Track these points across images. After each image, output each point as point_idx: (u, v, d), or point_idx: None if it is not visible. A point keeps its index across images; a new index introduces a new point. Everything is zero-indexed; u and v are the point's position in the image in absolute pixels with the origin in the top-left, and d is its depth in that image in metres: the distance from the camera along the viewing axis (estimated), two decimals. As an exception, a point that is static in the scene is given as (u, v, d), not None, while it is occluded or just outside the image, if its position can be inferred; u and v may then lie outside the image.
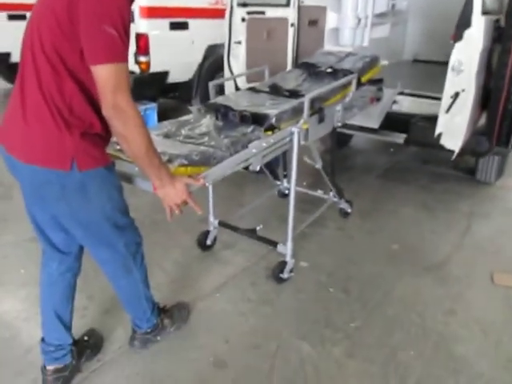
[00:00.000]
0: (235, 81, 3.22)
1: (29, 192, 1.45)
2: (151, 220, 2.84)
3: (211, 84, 2.34)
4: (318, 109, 2.26)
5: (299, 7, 3.38)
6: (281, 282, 2.30)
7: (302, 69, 2.72)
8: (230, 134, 1.88)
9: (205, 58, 4.66)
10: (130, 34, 1.28)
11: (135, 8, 3.97)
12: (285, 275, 2.29)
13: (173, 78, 4.48)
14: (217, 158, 1.69)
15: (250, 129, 1.94)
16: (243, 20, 3.05)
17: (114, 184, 1.45)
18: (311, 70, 2.66)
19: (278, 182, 3.09)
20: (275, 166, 3.04)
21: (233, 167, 1.75)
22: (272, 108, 2.10)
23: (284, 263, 2.30)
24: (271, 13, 3.25)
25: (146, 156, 1.33)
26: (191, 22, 4.39)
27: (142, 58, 4.09)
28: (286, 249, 2.29)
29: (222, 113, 2.03)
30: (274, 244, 2.35)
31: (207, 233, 2.57)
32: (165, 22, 4.18)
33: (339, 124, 2.46)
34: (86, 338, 1.81)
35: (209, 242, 2.57)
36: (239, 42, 3.11)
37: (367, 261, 2.54)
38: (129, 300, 1.71)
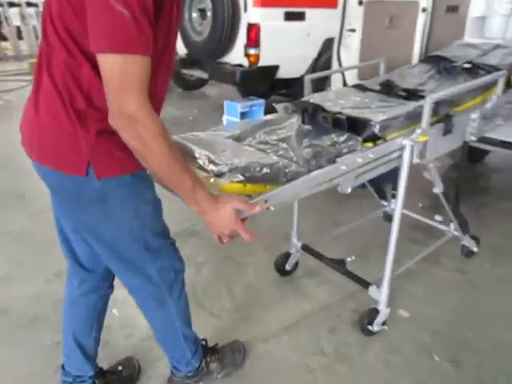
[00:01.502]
0: (344, 76, 2.72)
1: (51, 193, 1.21)
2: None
3: (307, 78, 1.91)
4: (444, 116, 1.69)
5: (435, -11, 2.74)
6: (368, 335, 1.79)
7: (429, 63, 2.14)
8: (314, 142, 1.44)
9: (321, 52, 4.20)
10: (151, 17, 0.89)
11: (248, -4, 3.71)
12: (374, 328, 1.78)
13: (283, 74, 4.13)
14: (289, 174, 1.27)
15: (343, 137, 1.47)
16: (360, 3, 2.53)
17: (145, 197, 1.14)
18: (442, 66, 2.06)
19: (385, 203, 2.54)
20: (386, 183, 2.49)
21: (310, 188, 1.32)
22: (378, 112, 1.59)
23: (375, 311, 1.79)
24: (397, -6, 2.67)
25: (171, 176, 1.00)
26: (308, 12, 3.97)
27: (252, 51, 3.82)
28: (380, 294, 1.77)
29: (310, 114, 1.59)
30: (366, 284, 1.85)
31: (288, 255, 2.16)
32: (279, 12, 3.84)
33: (473, 138, 1.84)
34: (119, 367, 1.55)
35: (288, 267, 2.16)
36: (353, 30, 2.59)
37: (494, 322, 1.89)
38: (163, 338, 1.40)
